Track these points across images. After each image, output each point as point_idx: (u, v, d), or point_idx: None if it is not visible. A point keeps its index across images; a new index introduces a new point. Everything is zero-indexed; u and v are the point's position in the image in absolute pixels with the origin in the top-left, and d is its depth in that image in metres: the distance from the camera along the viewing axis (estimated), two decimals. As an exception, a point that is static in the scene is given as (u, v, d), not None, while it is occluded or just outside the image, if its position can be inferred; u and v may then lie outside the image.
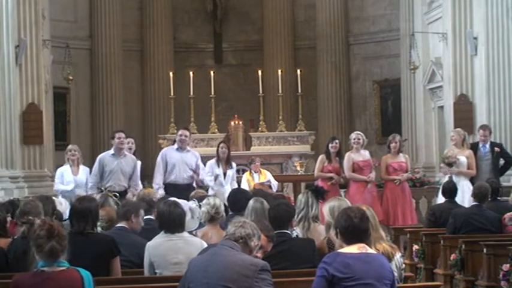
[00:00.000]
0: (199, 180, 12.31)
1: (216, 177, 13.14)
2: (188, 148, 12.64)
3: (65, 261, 4.91)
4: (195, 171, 12.34)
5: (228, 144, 14.08)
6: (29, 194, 13.98)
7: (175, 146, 12.62)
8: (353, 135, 13.36)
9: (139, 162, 12.52)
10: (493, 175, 12.64)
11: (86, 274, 4.94)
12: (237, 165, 14.67)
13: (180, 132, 12.59)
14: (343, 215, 5.03)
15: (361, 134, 13.46)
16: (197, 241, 6.70)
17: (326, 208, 6.74)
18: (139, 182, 12.47)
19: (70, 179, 12.36)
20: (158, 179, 12.33)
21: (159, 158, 12.58)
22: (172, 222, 6.65)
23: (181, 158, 12.36)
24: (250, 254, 5.18)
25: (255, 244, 5.20)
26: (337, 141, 13.32)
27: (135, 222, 7.20)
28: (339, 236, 5.01)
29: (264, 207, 7.32)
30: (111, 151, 12.06)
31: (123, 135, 12.11)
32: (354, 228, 4.97)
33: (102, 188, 11.64)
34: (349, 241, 4.96)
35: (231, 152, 14.91)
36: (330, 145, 13.25)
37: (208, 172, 13.13)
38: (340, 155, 13.24)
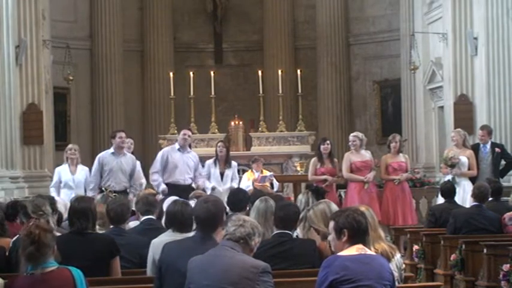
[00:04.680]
0: (200, 187, 12.33)
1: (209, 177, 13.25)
2: (188, 149, 12.74)
3: (54, 261, 4.91)
4: (195, 175, 12.50)
5: (227, 144, 14.06)
6: (29, 194, 13.95)
7: (177, 146, 12.65)
8: (350, 137, 13.34)
9: (138, 163, 12.55)
10: (493, 176, 12.62)
11: (77, 272, 4.94)
12: (238, 165, 14.63)
13: (183, 131, 12.72)
14: (348, 216, 4.97)
15: (359, 135, 13.35)
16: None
17: (317, 213, 6.60)
18: (143, 181, 12.55)
19: (68, 178, 12.34)
20: (156, 176, 12.44)
21: (158, 156, 12.64)
22: (184, 221, 6.59)
23: (183, 158, 12.46)
24: (251, 253, 5.15)
25: (256, 242, 5.15)
26: (328, 142, 13.26)
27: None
28: (346, 237, 4.94)
29: (267, 207, 7.26)
30: (111, 150, 12.15)
31: (124, 134, 12.23)
32: (362, 228, 4.95)
33: (103, 188, 11.68)
34: (356, 242, 4.93)
35: (231, 152, 14.90)
36: (322, 147, 13.23)
37: (205, 172, 13.19)
38: (331, 155, 13.19)
